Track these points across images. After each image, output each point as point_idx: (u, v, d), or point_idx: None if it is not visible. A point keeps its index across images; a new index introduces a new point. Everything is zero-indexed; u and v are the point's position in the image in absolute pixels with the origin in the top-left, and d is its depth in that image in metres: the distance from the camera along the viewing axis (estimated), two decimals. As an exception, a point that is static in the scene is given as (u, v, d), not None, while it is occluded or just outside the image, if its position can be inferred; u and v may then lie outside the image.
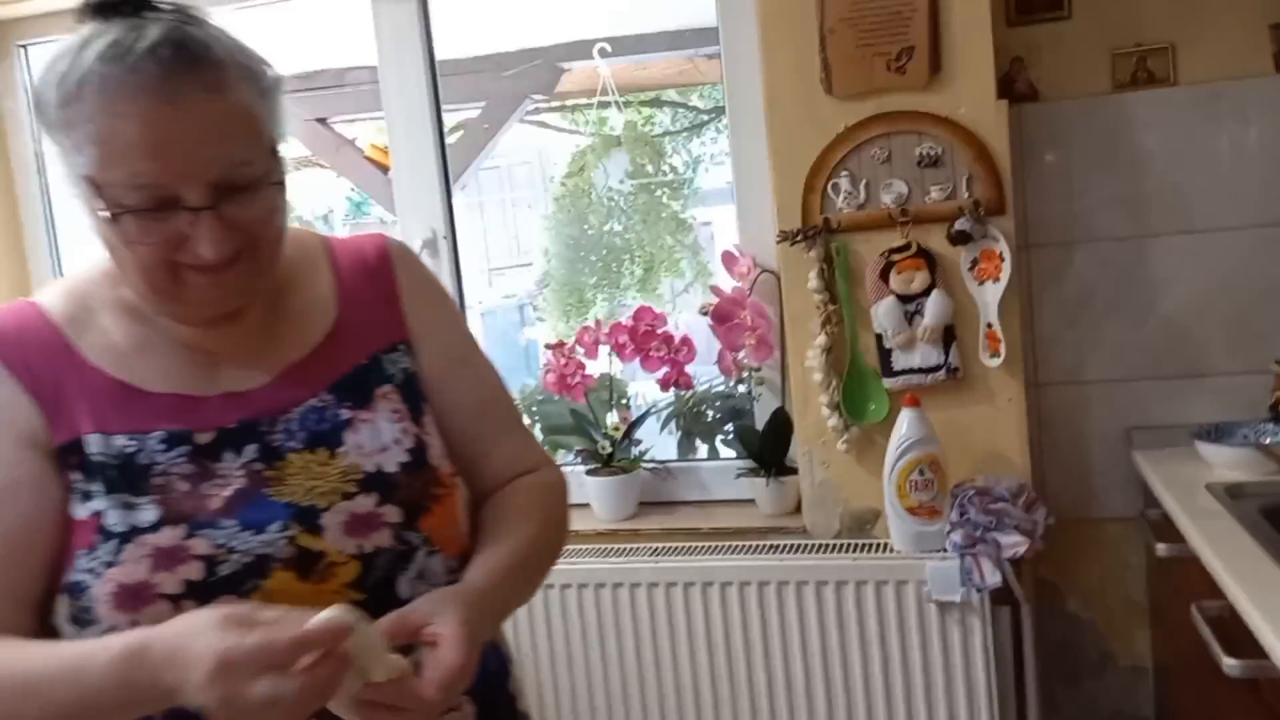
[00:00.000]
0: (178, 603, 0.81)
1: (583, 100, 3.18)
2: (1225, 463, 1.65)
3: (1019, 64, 1.88)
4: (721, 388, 2.21)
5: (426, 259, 2.12)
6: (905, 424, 1.75)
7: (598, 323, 2.12)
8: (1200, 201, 1.84)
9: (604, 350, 2.09)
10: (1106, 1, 1.83)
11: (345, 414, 0.92)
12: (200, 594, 0.81)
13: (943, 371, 1.79)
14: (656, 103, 3.21)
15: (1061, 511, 1.83)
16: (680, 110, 3.16)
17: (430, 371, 0.98)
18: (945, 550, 1.73)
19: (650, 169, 3.03)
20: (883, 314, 1.80)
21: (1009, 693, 1.79)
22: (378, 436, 0.92)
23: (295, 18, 2.47)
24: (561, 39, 2.87)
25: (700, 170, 3.14)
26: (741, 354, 1.99)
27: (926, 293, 1.78)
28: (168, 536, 0.83)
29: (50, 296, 0.92)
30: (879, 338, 1.82)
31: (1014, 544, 1.69)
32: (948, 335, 1.79)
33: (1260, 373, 1.78)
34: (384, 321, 0.98)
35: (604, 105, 3.17)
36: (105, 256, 0.88)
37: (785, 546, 1.86)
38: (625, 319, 2.10)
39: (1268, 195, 1.81)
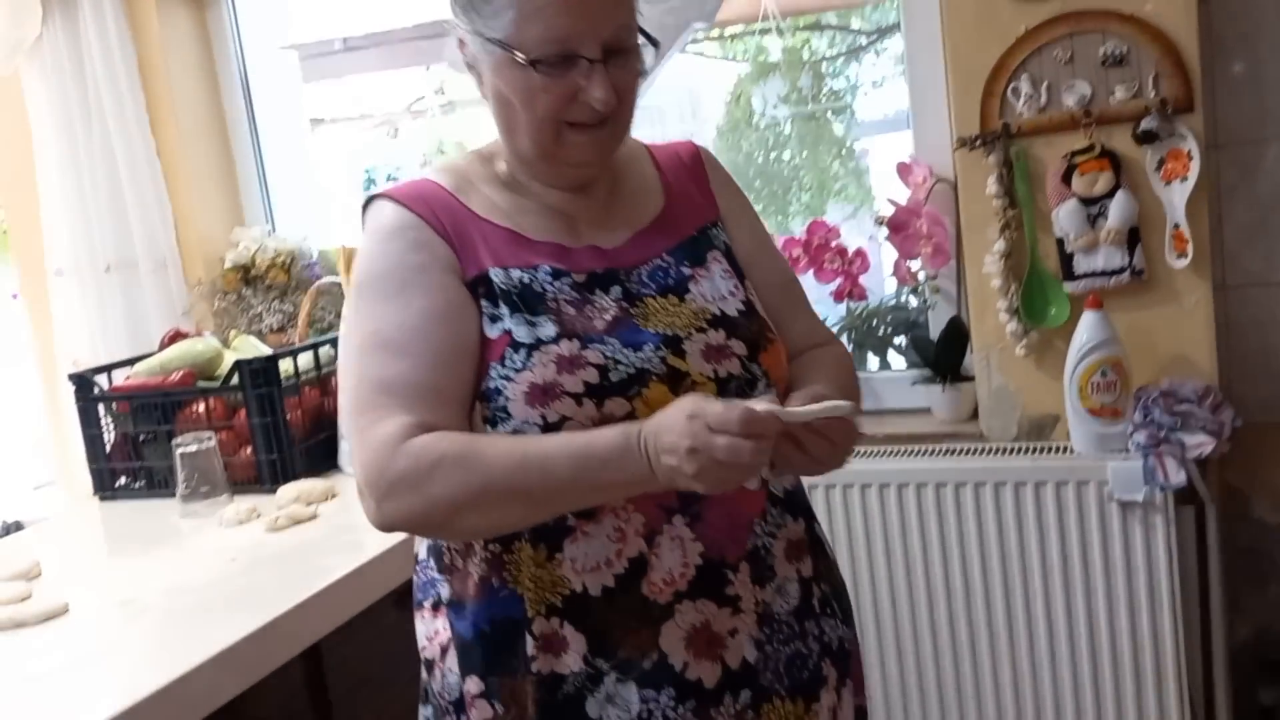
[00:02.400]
0: (579, 400, 0.99)
1: (740, 28, 3.20)
2: None
3: (1209, -43, 1.83)
4: (893, 302, 2.24)
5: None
6: (1087, 326, 1.76)
7: (771, 238, 2.18)
8: None
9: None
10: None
11: (686, 270, 1.11)
12: (595, 394, 0.99)
13: (1126, 274, 1.79)
14: (816, 26, 3.21)
15: (1249, 415, 1.81)
16: (839, 34, 3.16)
17: (740, 249, 1.16)
18: (1128, 450, 1.74)
19: (810, 94, 3.05)
20: (1064, 217, 1.81)
21: (1193, 595, 1.80)
22: (715, 288, 1.10)
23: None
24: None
25: (859, 95, 3.13)
26: (917, 264, 2.02)
27: (1110, 195, 1.78)
28: (566, 347, 1.01)
29: (435, 174, 1.12)
30: (1060, 242, 1.83)
31: (1200, 444, 1.70)
32: (1132, 237, 1.78)
33: None
34: (702, 205, 1.17)
35: (763, 32, 3.19)
36: (468, 150, 1.16)
37: (963, 450, 1.91)
38: (798, 235, 2.15)
39: None
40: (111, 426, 2.05)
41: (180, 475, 1.82)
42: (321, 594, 1.43)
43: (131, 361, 2.11)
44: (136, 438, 2.03)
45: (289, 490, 1.81)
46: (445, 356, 1.01)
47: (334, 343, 2.02)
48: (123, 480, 2.07)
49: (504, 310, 1.03)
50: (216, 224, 2.55)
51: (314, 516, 1.75)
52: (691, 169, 1.20)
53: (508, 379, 1.00)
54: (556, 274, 1.06)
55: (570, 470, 0.94)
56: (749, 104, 3.06)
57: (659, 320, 1.05)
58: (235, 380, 1.92)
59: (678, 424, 0.90)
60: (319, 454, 2.00)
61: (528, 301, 1.03)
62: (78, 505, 2.18)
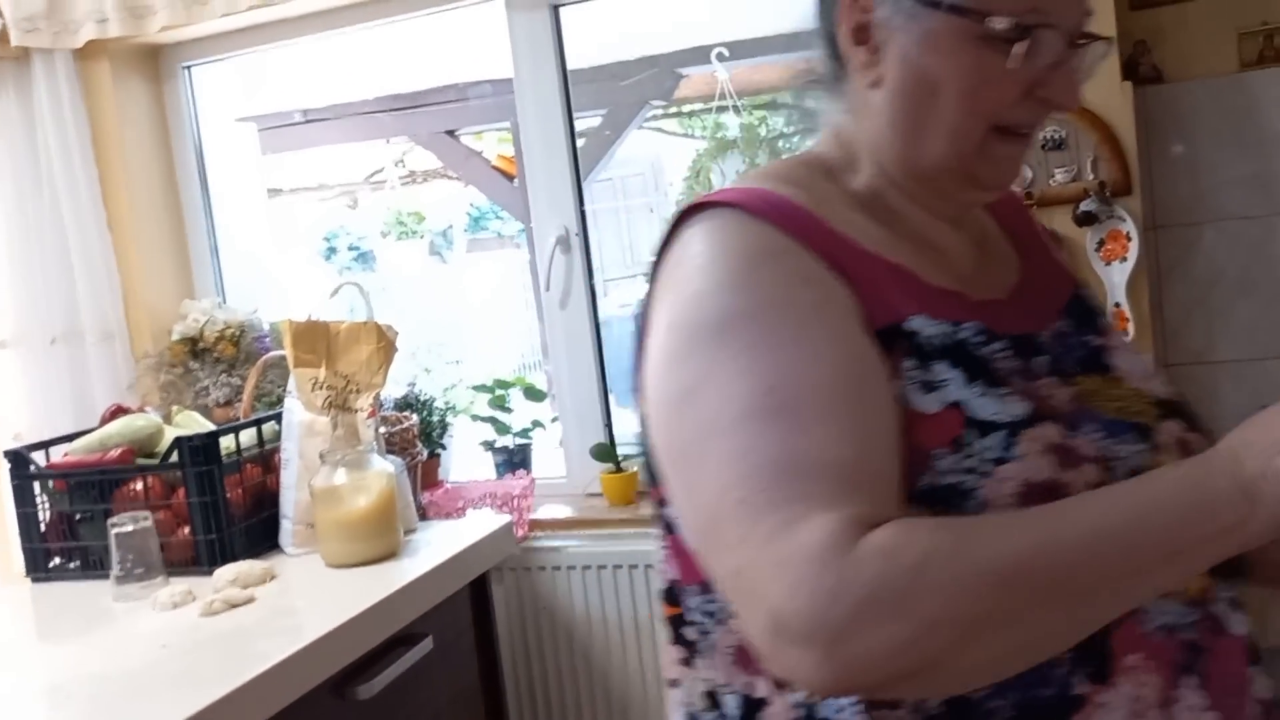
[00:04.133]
0: None
1: (699, 105, 3.27)
2: None
3: (1143, 47, 1.90)
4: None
5: (559, 256, 2.23)
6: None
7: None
8: (1335, 177, 1.82)
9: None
10: (1232, -19, 1.83)
11: (1094, 340, 0.84)
12: None
13: (1070, 352, 1.81)
14: (771, 105, 3.28)
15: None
16: (794, 111, 3.23)
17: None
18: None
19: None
20: (1008, 296, 1.83)
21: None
22: (1134, 364, 0.84)
23: (419, 34, 2.62)
24: (679, 46, 2.97)
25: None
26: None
27: (1052, 274, 1.81)
28: (1055, 433, 0.71)
29: (773, 184, 0.79)
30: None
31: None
32: (1074, 316, 1.81)
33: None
34: (1055, 259, 0.92)
35: (720, 110, 3.25)
36: (790, 155, 0.86)
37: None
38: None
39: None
40: (47, 505, 2.00)
41: (115, 556, 1.77)
42: (255, 681, 1.39)
43: (71, 437, 2.06)
44: (73, 516, 1.98)
45: (226, 572, 1.77)
46: (877, 429, 0.68)
47: (278, 418, 1.99)
48: (57, 561, 2.01)
49: (947, 375, 0.72)
50: (166, 296, 2.53)
51: (251, 600, 1.71)
52: (1021, 216, 0.94)
53: (980, 473, 0.68)
54: (989, 335, 0.75)
55: (1125, 533, 0.60)
56: (708, 178, 3.10)
57: (1106, 403, 0.77)
58: (175, 457, 1.88)
59: None
60: (259, 534, 1.95)
61: (972, 366, 0.73)
62: (8, 586, 2.11)
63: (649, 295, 0.77)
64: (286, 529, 1.92)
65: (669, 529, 0.79)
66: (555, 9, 2.20)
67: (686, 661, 0.79)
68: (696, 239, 0.75)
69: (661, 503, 0.79)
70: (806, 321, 0.70)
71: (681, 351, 0.71)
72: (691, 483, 0.68)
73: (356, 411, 1.85)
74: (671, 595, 0.80)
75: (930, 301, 0.75)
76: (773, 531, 0.61)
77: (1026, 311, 0.82)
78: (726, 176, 3.17)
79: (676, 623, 0.80)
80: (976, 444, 0.69)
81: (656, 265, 0.78)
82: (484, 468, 2.41)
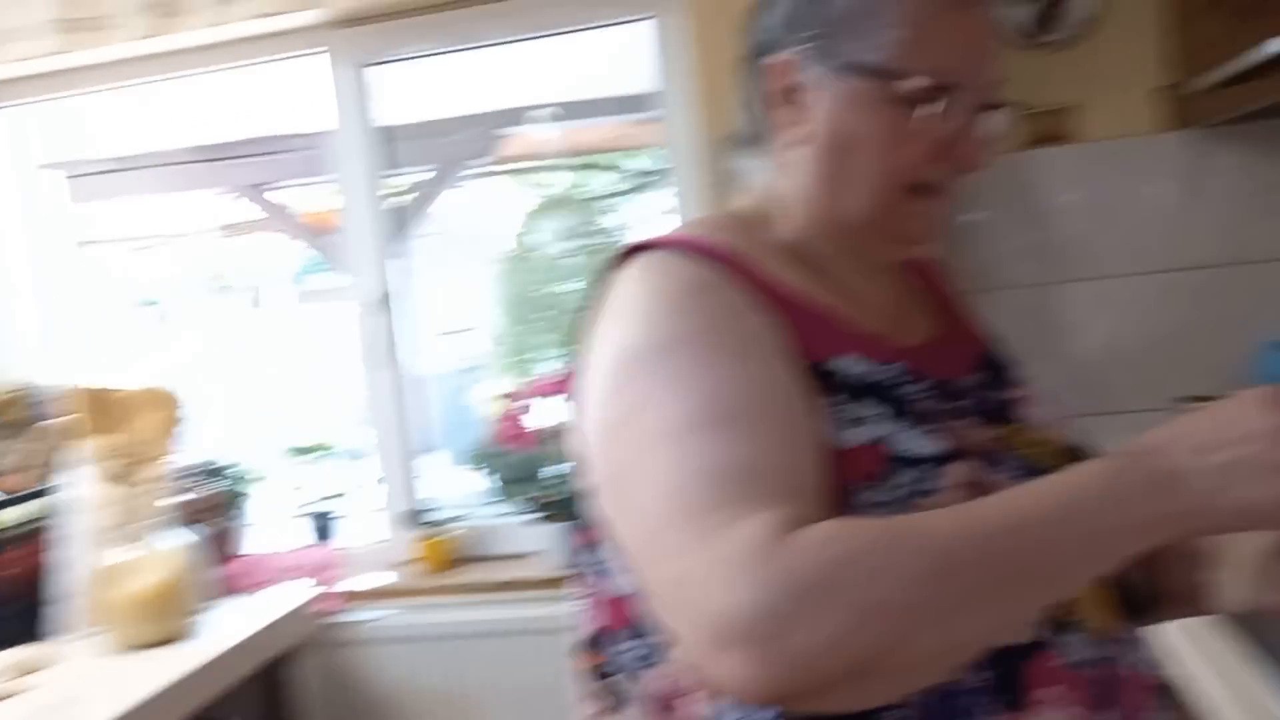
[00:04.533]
0: None
1: (524, 165, 3.28)
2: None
3: (934, 125, 2.01)
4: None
5: (373, 315, 2.18)
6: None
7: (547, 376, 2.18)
8: (1105, 250, 1.96)
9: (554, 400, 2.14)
10: (1017, 67, 1.97)
11: (1006, 392, 0.88)
12: None
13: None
14: (594, 166, 3.32)
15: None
16: (616, 173, 3.27)
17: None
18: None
19: (586, 230, 3.12)
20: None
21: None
22: (1043, 414, 0.88)
23: (238, 85, 2.54)
24: (508, 104, 2.97)
25: (632, 232, 3.25)
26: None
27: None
28: (973, 469, 0.74)
29: (706, 232, 0.84)
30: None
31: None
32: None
33: (1163, 409, 1.90)
34: (964, 311, 0.97)
35: (545, 169, 3.27)
36: (709, 215, 0.93)
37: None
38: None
39: (1165, 244, 1.94)
40: None
41: None
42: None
43: None
44: None
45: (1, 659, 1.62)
46: (807, 447, 0.70)
47: (61, 489, 1.85)
48: None
49: (871, 411, 0.75)
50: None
51: (26, 689, 1.57)
52: (936, 274, 0.99)
53: (895, 504, 0.71)
54: (915, 375, 0.80)
55: (1049, 520, 0.62)
56: (534, 236, 3.11)
57: (1021, 449, 0.81)
58: (-59, 535, 1.73)
59: (1241, 412, 0.65)
60: (36, 616, 1.80)
61: (895, 404, 0.76)
62: None
63: (588, 333, 0.79)
64: (68, 610, 1.78)
65: (599, 574, 0.79)
66: (366, 67, 2.18)
67: (607, 712, 0.80)
68: (635, 277, 0.78)
69: (591, 546, 0.79)
70: (740, 347, 0.73)
71: (623, 376, 0.73)
72: (632, 498, 0.70)
73: (145, 482, 1.74)
74: (595, 644, 0.81)
75: (857, 343, 0.79)
76: (711, 532, 0.63)
77: (946, 359, 0.86)
78: (551, 234, 3.17)
79: (598, 672, 0.80)
80: (897, 478, 0.72)
81: (593, 305, 0.80)
82: (295, 535, 2.30)
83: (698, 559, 0.62)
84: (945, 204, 0.84)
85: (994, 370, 0.91)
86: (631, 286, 0.78)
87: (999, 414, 0.85)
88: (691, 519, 0.64)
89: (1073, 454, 0.82)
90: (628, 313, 0.76)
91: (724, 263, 0.78)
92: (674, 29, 2.02)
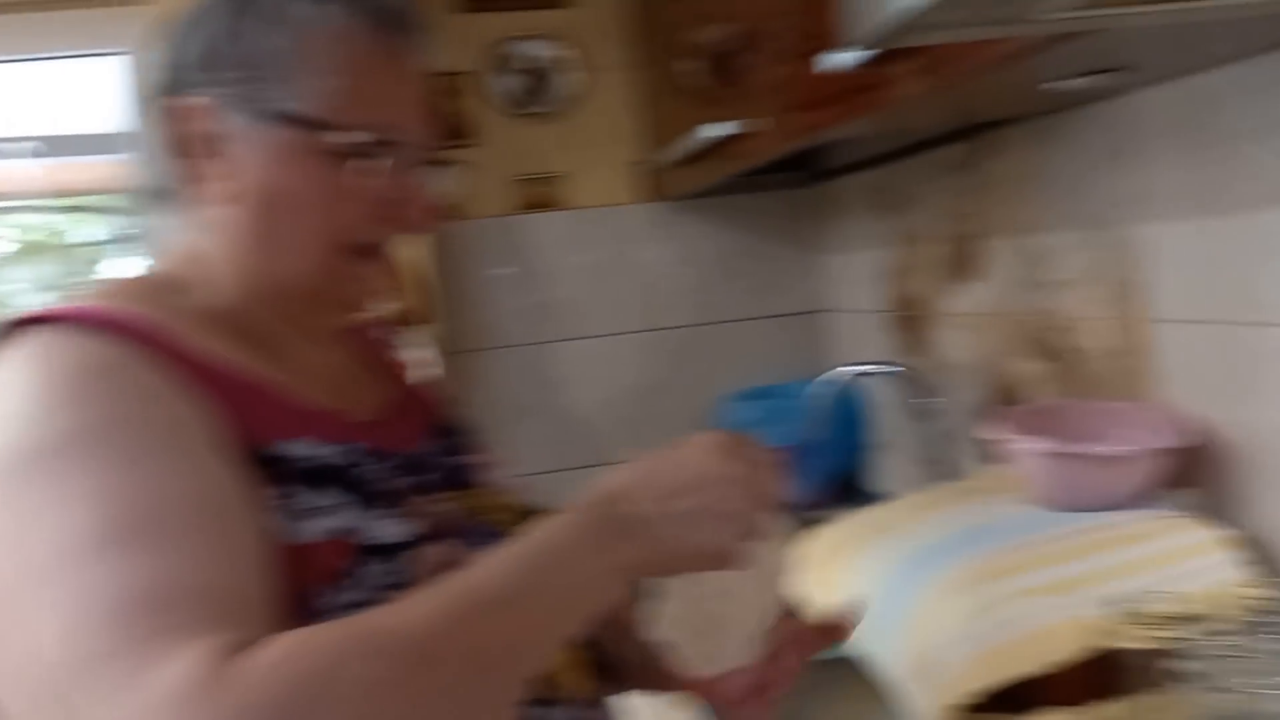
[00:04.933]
0: None
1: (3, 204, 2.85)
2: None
3: (433, 185, 2.03)
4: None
5: None
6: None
7: None
8: (592, 310, 2.09)
9: None
10: (508, 134, 2.04)
11: (463, 458, 0.85)
12: None
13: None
14: (83, 209, 2.98)
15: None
16: (106, 215, 2.97)
17: None
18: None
19: (73, 281, 2.79)
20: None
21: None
22: (499, 476, 0.87)
23: None
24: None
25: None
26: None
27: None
28: (445, 551, 0.71)
29: (118, 300, 0.71)
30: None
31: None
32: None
33: (647, 458, 2.04)
34: (405, 375, 0.92)
35: (24, 210, 2.87)
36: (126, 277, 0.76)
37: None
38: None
39: (640, 305, 2.11)
40: None
41: None
42: None
43: None
44: None
45: None
46: (246, 555, 0.61)
47: None
48: None
49: (328, 500, 0.67)
50: None
51: None
52: (382, 339, 0.94)
53: (369, 603, 0.60)
54: (378, 454, 0.74)
55: (519, 584, 0.61)
56: (6, 286, 2.72)
57: (487, 515, 0.80)
58: None
59: (697, 459, 0.67)
60: None
61: (360, 488, 0.70)
62: None
63: None
64: None
65: None
66: None
67: None
68: (16, 361, 0.65)
69: None
70: (156, 441, 0.62)
71: (1, 490, 0.59)
72: (19, 646, 0.55)
73: None
74: None
75: (307, 423, 0.71)
76: (131, 677, 0.51)
77: (402, 431, 0.81)
78: (32, 282, 2.79)
79: None
80: (366, 571, 0.67)
81: None
82: None
83: (117, 716, 0.50)
84: (386, 266, 0.79)
85: (449, 436, 0.88)
86: (10, 374, 0.64)
87: (461, 481, 0.82)
88: (104, 664, 0.52)
89: (534, 514, 0.82)
90: (6, 408, 0.63)
91: (136, 337, 0.67)
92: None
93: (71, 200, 2.87)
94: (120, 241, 3.01)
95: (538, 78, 2.04)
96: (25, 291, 2.72)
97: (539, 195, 2.07)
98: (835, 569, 1.16)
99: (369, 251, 0.77)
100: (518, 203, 2.06)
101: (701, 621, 0.76)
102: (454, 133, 2.02)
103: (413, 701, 0.54)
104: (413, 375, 0.95)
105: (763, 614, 0.78)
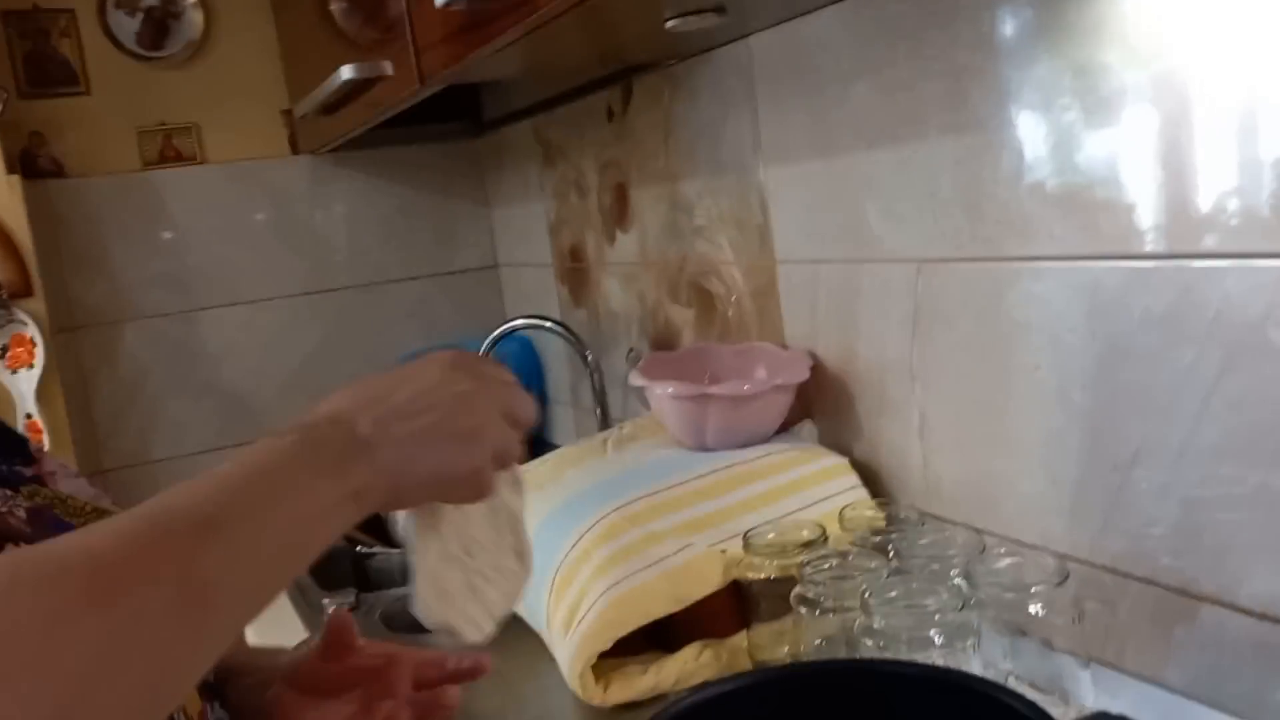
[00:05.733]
0: None
1: None
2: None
3: (39, 138, 1.78)
4: None
5: None
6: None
7: None
8: (243, 274, 1.93)
9: None
10: (125, 81, 1.82)
11: (30, 470, 0.68)
12: None
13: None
14: None
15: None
16: None
17: None
18: None
19: None
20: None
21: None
22: (81, 486, 0.70)
23: None
24: None
25: None
26: None
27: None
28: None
29: None
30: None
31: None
32: (-23, 433, 1.60)
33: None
34: None
35: None
36: None
37: None
38: None
39: (299, 266, 1.97)
40: None
41: None
42: None
43: None
44: None
45: None
46: None
47: None
48: None
49: None
50: None
51: None
52: None
53: None
54: None
55: (240, 500, 0.50)
56: None
57: (70, 517, 0.66)
58: None
59: (425, 378, 0.60)
60: None
61: None
62: None
63: None
64: None
65: None
66: None
67: None
68: None
69: None
70: None
71: None
72: None
73: None
74: None
75: None
76: None
77: None
78: None
79: None
80: None
81: None
82: None
83: None
84: None
85: (10, 448, 0.75)
86: None
87: (29, 485, 0.69)
88: None
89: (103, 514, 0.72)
90: None
91: None
92: None
93: None
94: None
95: (161, 17, 1.83)
96: None
97: (170, 148, 1.86)
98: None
99: None
100: (146, 158, 1.85)
101: (457, 575, 0.65)
102: (61, 78, 1.78)
103: (101, 638, 0.43)
104: None
105: (519, 556, 0.68)
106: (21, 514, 0.65)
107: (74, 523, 0.67)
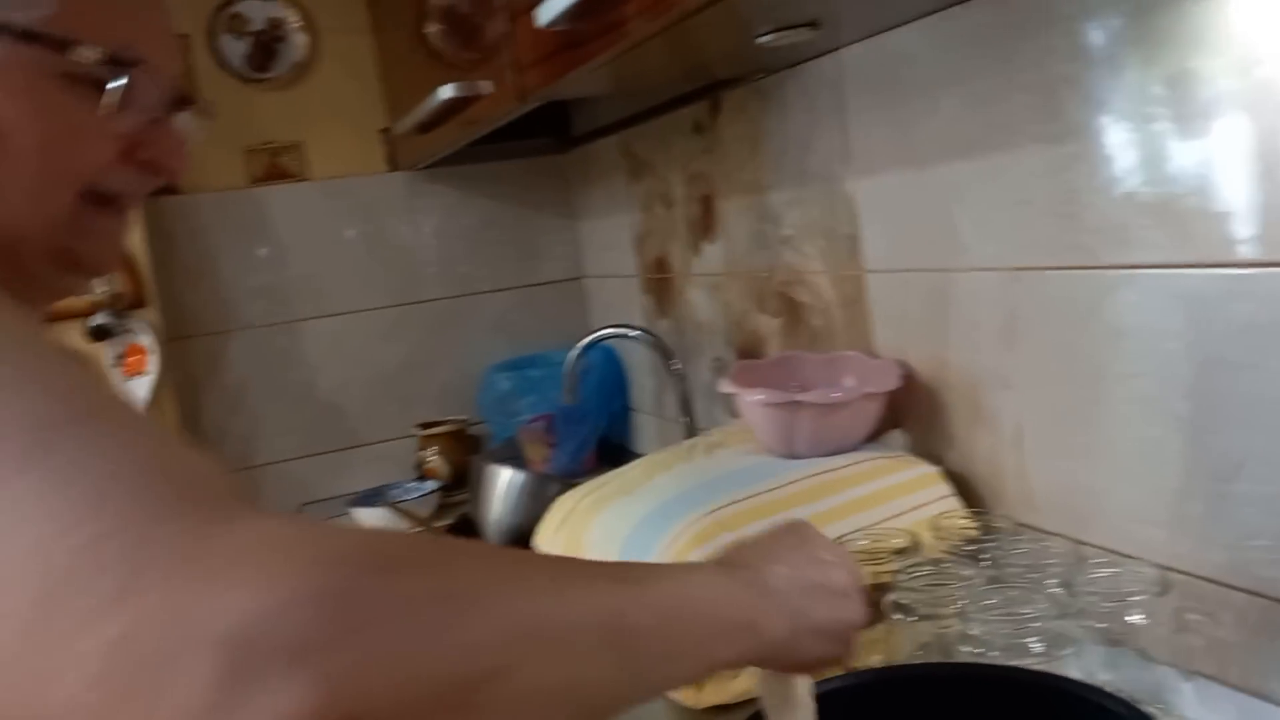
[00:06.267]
0: None
1: None
2: (373, 523, 1.78)
3: (152, 157, 1.87)
4: None
5: None
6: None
7: None
8: (338, 286, 1.99)
9: None
10: (234, 102, 1.91)
11: None
12: None
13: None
14: None
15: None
16: None
17: None
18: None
19: None
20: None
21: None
22: None
23: None
24: None
25: None
26: None
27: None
28: None
29: None
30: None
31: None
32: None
33: (407, 437, 1.98)
34: None
35: None
36: None
37: None
38: None
39: (395, 278, 2.03)
40: None
41: None
42: None
43: None
44: None
45: None
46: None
47: None
48: None
49: None
50: None
51: None
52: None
53: None
54: None
55: (679, 600, 0.53)
56: None
57: None
58: None
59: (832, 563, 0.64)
60: None
61: None
62: None
63: None
64: None
65: None
66: None
67: None
68: None
69: None
70: None
71: None
72: None
73: None
74: None
75: None
76: (191, 536, 0.38)
77: None
78: None
79: None
80: None
81: None
82: None
83: (174, 580, 0.37)
84: (126, 220, 0.67)
85: None
86: None
87: None
88: (144, 529, 0.38)
89: None
90: None
91: None
92: None
93: None
94: None
95: (268, 41, 1.91)
96: None
97: (275, 166, 1.95)
98: (579, 533, 1.15)
99: (112, 202, 0.65)
100: (253, 175, 1.93)
101: None
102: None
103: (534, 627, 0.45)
104: None
105: None
106: None
107: None
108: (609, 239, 1.99)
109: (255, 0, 1.90)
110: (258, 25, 1.90)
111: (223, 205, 1.91)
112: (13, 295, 0.64)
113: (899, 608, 0.86)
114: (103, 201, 0.64)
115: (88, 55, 0.60)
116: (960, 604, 0.79)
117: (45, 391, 0.45)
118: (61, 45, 0.60)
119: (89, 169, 0.63)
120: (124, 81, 0.62)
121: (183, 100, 0.68)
